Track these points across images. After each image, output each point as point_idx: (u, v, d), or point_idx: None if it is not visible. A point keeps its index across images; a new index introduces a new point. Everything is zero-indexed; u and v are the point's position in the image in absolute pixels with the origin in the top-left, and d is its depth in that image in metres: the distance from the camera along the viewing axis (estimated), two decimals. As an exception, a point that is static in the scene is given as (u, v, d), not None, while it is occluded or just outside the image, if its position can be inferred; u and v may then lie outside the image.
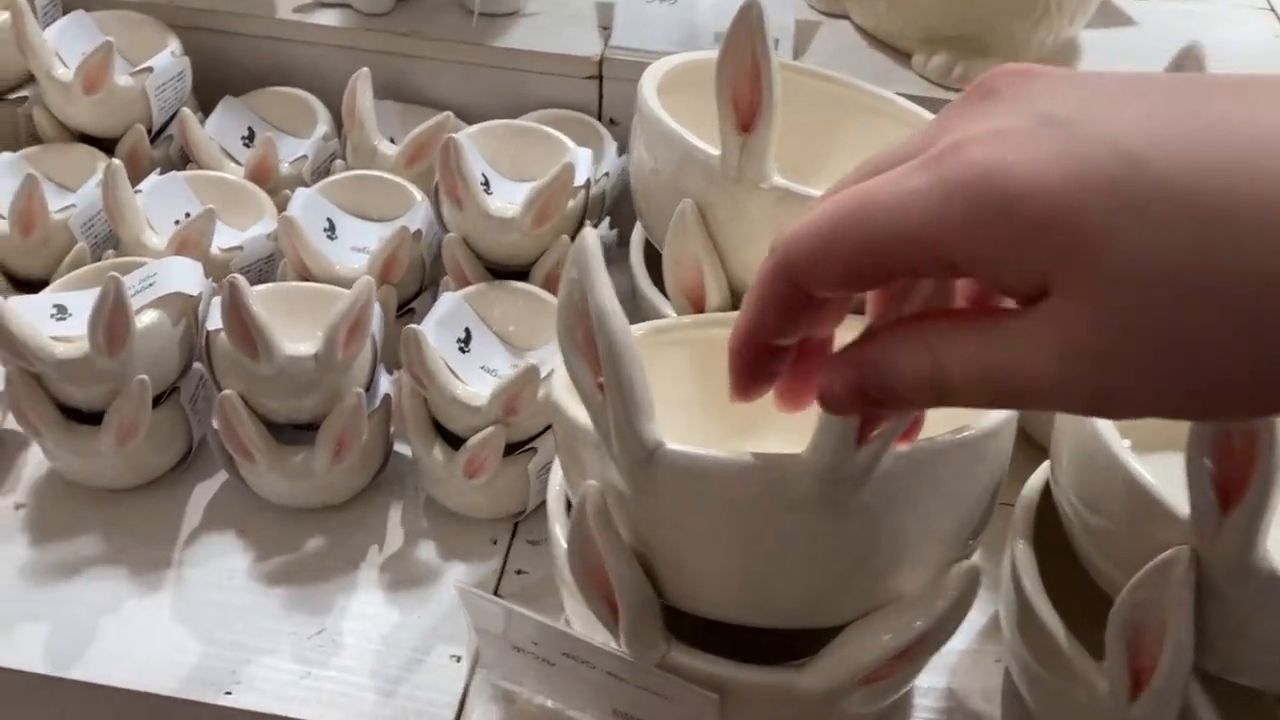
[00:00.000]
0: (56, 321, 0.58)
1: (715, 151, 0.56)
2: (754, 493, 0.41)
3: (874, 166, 0.31)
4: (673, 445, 0.41)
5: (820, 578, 0.43)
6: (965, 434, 0.42)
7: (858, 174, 0.31)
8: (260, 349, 0.54)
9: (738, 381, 0.34)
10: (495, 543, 0.60)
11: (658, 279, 0.62)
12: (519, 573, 0.59)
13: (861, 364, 0.30)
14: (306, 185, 0.71)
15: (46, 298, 0.58)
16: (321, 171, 0.72)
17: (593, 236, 0.41)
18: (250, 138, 0.74)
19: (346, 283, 0.61)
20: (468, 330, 0.60)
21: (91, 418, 0.57)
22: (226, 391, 0.55)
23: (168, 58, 0.70)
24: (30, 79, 0.73)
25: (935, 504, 0.43)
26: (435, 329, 0.58)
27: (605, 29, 0.77)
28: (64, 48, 0.69)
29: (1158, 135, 0.25)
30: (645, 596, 0.44)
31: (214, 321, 0.56)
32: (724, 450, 0.41)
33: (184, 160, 0.73)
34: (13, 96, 0.72)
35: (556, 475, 0.53)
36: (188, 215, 0.66)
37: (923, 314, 0.31)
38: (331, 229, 0.66)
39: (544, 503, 0.60)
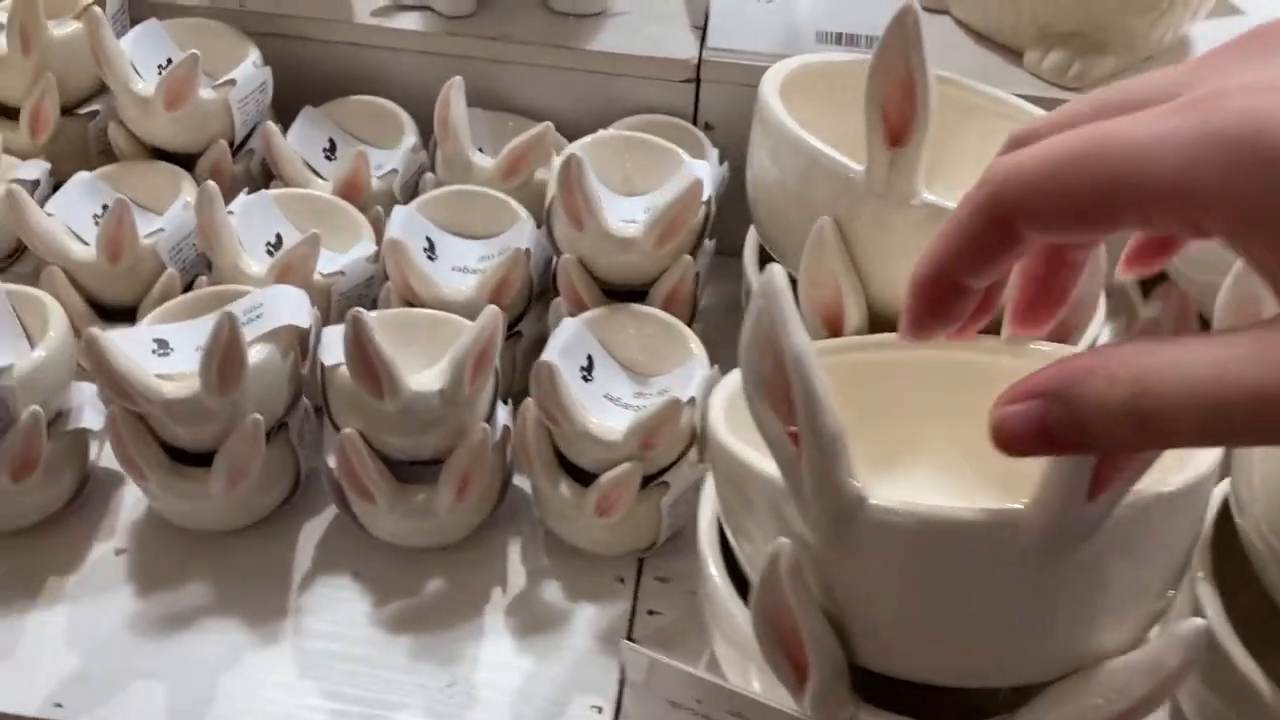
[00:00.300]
0: (159, 358, 0.54)
1: (853, 164, 0.53)
2: (969, 549, 0.38)
3: (1114, 105, 0.27)
4: (878, 499, 0.38)
5: (1026, 635, 0.40)
6: (1190, 478, 0.39)
7: (1091, 111, 0.28)
8: (385, 386, 0.50)
9: (915, 317, 0.31)
10: (622, 581, 0.57)
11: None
12: (651, 613, 0.56)
13: (1047, 393, 0.26)
14: (398, 201, 0.68)
15: (145, 331, 0.55)
16: (410, 186, 0.69)
17: (780, 274, 0.38)
18: (332, 149, 0.70)
19: (453, 306, 0.58)
20: (590, 358, 0.57)
21: (198, 458, 0.54)
22: (347, 430, 0.52)
23: (250, 69, 0.66)
24: (100, 91, 0.69)
25: (1153, 555, 0.40)
26: (559, 358, 0.55)
27: (698, 29, 0.73)
28: (137, 59, 0.65)
29: None
30: (838, 658, 0.41)
31: (330, 355, 0.53)
32: (934, 504, 0.38)
33: (265, 175, 0.69)
34: (82, 111, 0.69)
35: (707, 512, 0.50)
36: (279, 236, 0.63)
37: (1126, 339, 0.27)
38: (431, 249, 0.63)
39: (671, 537, 0.58)
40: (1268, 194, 0.23)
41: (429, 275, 0.59)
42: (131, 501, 0.59)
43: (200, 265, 0.63)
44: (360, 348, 0.50)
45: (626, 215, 0.60)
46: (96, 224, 0.63)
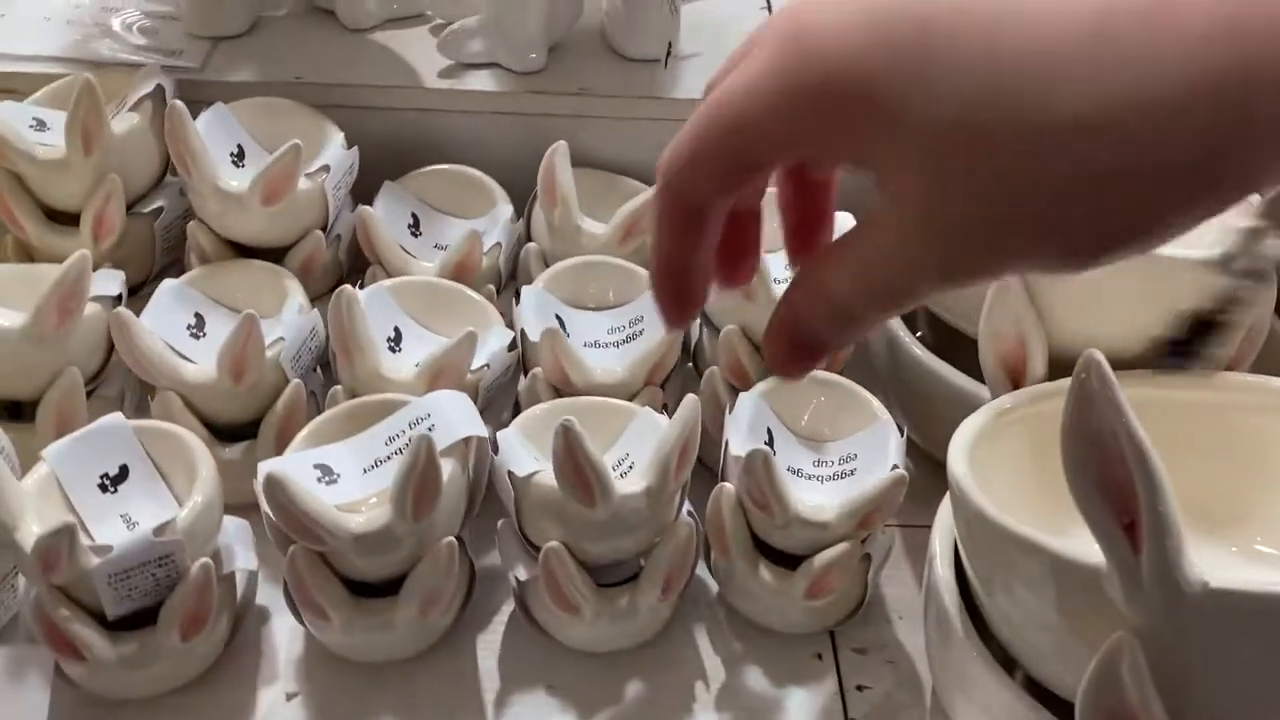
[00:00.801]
0: (326, 485, 0.50)
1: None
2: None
3: (733, 60, 0.29)
4: (1222, 584, 0.37)
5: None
6: None
7: (723, 71, 0.30)
8: (597, 494, 0.47)
9: (667, 313, 0.33)
10: (820, 657, 0.55)
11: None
12: (860, 689, 0.54)
13: (784, 328, 0.30)
14: (502, 275, 0.64)
15: (304, 457, 0.51)
16: (513, 258, 0.65)
17: (1103, 359, 0.37)
18: (416, 225, 0.66)
19: (608, 390, 0.56)
20: (769, 431, 0.55)
21: (380, 587, 0.50)
22: (552, 544, 0.49)
23: (339, 151, 0.62)
24: (159, 184, 0.63)
25: None
26: (749, 439, 0.53)
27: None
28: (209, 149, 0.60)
29: (918, 58, 0.25)
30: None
31: (519, 465, 0.49)
32: (1272, 582, 0.37)
33: (354, 261, 0.64)
34: (146, 209, 0.63)
35: (945, 585, 0.48)
36: (397, 330, 0.59)
37: (818, 254, 0.30)
38: (563, 327, 0.59)
39: (858, 607, 0.56)
40: (823, 106, 0.26)
41: (584, 361, 0.55)
42: (287, 637, 0.54)
43: (314, 374, 0.58)
44: (573, 458, 0.46)
45: (779, 276, 0.57)
46: (192, 335, 0.58)
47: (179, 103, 0.56)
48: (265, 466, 0.50)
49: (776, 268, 0.58)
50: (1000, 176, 0.25)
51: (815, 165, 0.31)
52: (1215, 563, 0.39)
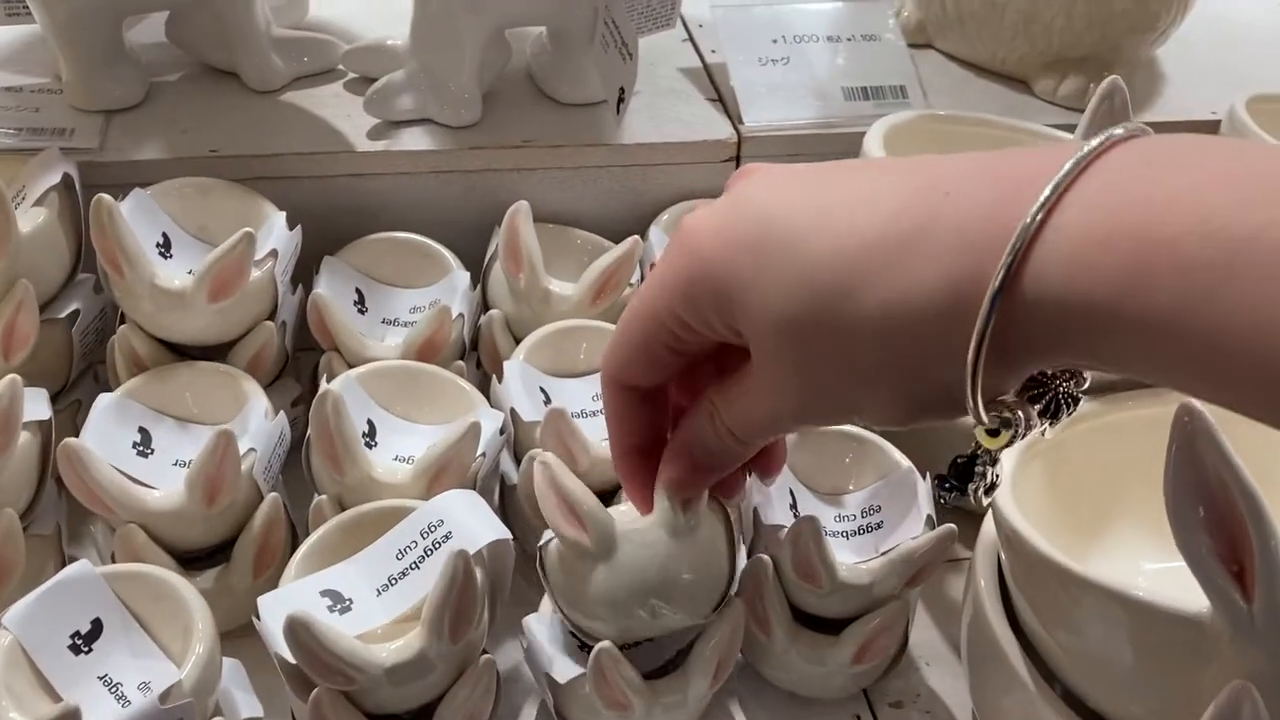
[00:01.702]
0: (341, 615, 0.45)
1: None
2: None
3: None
4: (1332, 622, 0.37)
5: None
6: None
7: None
8: (589, 526, 0.44)
9: (632, 496, 0.39)
10: (859, 718, 0.53)
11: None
12: (904, 744, 0.53)
13: (681, 452, 0.37)
14: (467, 349, 0.60)
15: (308, 585, 0.45)
16: (474, 328, 0.61)
17: (1204, 412, 0.37)
18: (361, 300, 0.61)
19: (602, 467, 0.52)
20: (792, 493, 0.52)
21: (407, 717, 0.45)
22: (604, 644, 0.45)
23: (283, 233, 0.56)
24: (68, 283, 0.56)
25: None
26: (774, 505, 0.50)
27: (714, 100, 0.69)
28: (128, 241, 0.53)
29: (792, 203, 0.31)
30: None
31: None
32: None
33: (298, 343, 0.59)
34: (61, 314, 0.55)
35: (1005, 638, 0.47)
36: (370, 424, 0.54)
37: (711, 390, 0.36)
38: (548, 401, 0.55)
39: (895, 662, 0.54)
40: (695, 291, 0.32)
41: (591, 442, 0.52)
42: (295, 780, 0.49)
43: (282, 483, 0.53)
44: (554, 491, 0.44)
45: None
46: (139, 454, 0.52)
47: (108, 198, 0.49)
48: (273, 603, 0.44)
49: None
50: (820, 358, 0.30)
51: (699, 342, 0.34)
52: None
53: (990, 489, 0.36)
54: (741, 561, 0.47)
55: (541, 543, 0.46)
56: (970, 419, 0.30)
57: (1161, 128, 0.75)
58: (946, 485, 0.36)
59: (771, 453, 0.39)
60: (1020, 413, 0.31)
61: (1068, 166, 0.27)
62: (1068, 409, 0.33)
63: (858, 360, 0.30)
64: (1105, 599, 0.42)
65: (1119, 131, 0.28)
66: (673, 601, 0.44)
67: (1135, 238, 0.26)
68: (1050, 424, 0.33)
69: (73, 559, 0.55)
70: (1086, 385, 0.33)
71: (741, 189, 0.33)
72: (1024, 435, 0.32)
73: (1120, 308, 0.26)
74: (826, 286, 0.29)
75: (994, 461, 0.35)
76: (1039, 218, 0.27)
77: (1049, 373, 0.32)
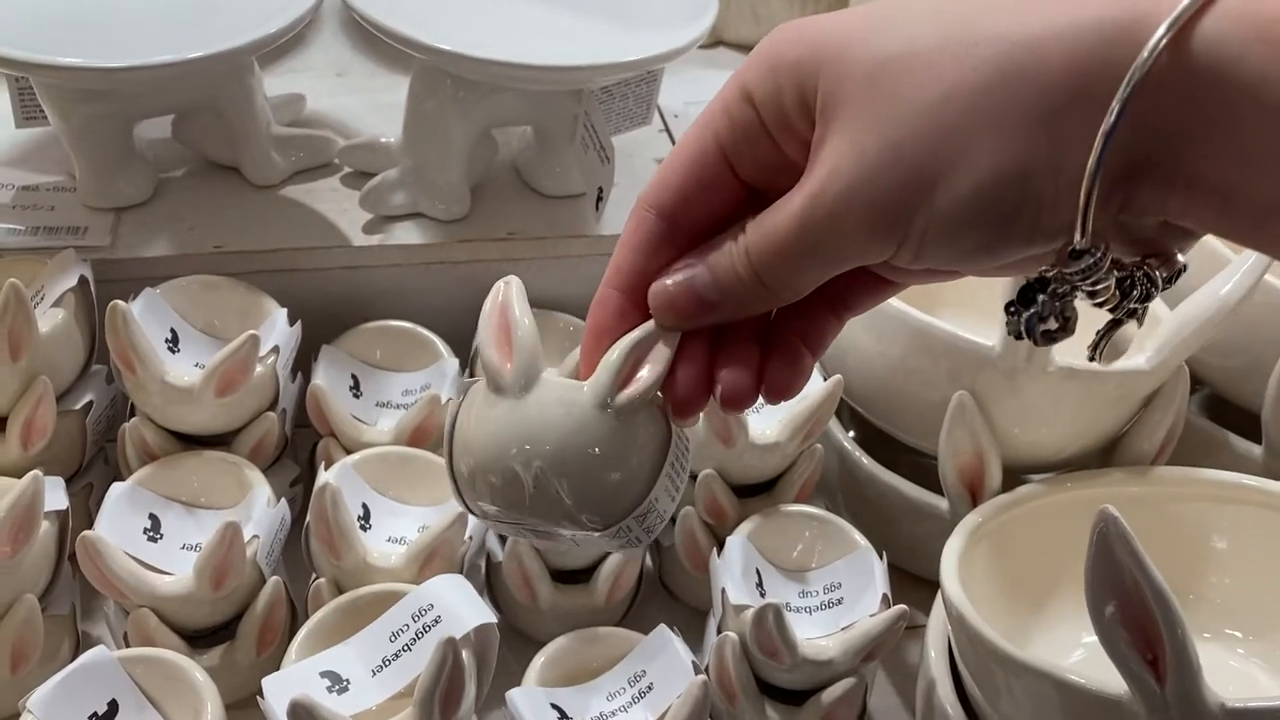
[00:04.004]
0: (339, 695, 0.49)
1: (982, 340, 0.56)
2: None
3: None
4: (1238, 704, 0.41)
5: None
6: None
7: None
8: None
9: (588, 346, 0.34)
10: (824, 779, 0.57)
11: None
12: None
13: (686, 267, 0.31)
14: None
15: (309, 667, 0.49)
16: (463, 411, 0.65)
17: (1118, 517, 0.41)
18: (356, 385, 0.65)
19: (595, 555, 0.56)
20: (758, 572, 0.56)
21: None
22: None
23: (284, 329, 0.60)
24: (81, 376, 0.60)
25: None
26: (743, 584, 0.54)
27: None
28: (139, 338, 0.57)
29: (871, 17, 0.28)
30: None
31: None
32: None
33: (296, 426, 0.63)
34: (77, 406, 0.59)
35: (942, 693, 0.51)
36: (365, 508, 0.57)
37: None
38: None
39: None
40: (777, 64, 0.28)
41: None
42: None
43: (284, 567, 0.57)
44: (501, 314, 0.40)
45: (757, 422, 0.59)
46: (149, 539, 0.56)
47: (123, 305, 0.53)
48: (276, 684, 0.48)
49: (755, 423, 0.59)
50: (912, 108, 0.26)
51: (761, 144, 0.30)
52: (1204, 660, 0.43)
53: (1059, 329, 0.29)
54: (666, 493, 0.35)
55: (464, 382, 0.41)
56: (1059, 242, 0.26)
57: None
58: (1011, 309, 0.30)
59: (792, 359, 0.32)
60: (1106, 253, 0.27)
61: None
62: (1147, 292, 0.29)
63: (958, 105, 0.26)
64: (1037, 678, 0.46)
65: None
66: (562, 476, 0.34)
67: None
68: (1121, 304, 0.29)
69: (86, 636, 0.58)
70: (1179, 268, 0.29)
71: None
72: (1100, 288, 0.28)
73: None
74: (945, 20, 0.27)
75: (1060, 296, 0.29)
76: None
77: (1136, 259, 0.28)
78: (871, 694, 0.59)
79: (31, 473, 0.51)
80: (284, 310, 0.61)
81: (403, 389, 0.66)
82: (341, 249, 0.66)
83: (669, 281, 0.31)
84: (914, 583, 0.62)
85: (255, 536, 0.54)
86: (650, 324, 0.33)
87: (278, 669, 0.52)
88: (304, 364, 0.65)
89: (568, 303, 0.70)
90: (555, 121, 0.68)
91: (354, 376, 0.65)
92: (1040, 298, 0.28)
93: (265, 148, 0.69)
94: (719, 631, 0.55)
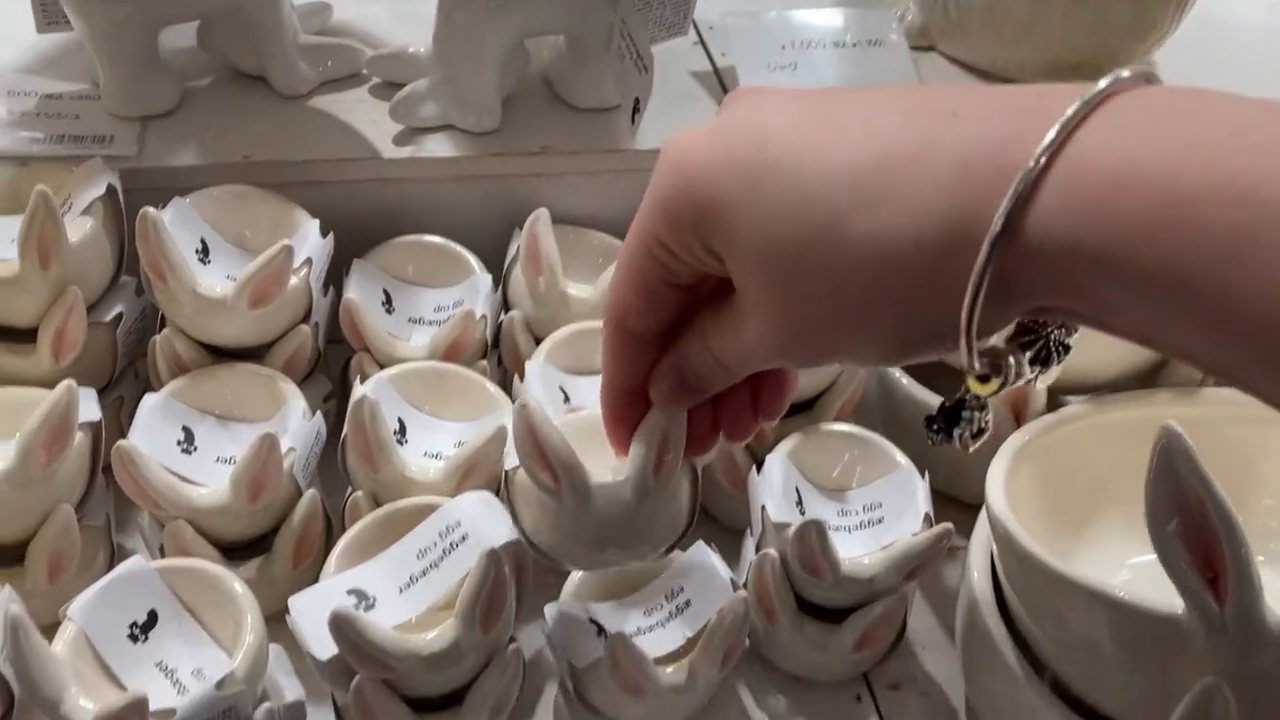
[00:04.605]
0: (365, 612, 0.48)
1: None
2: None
3: None
4: (1297, 622, 0.40)
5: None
6: None
7: None
8: (564, 481, 0.47)
9: (613, 436, 0.40)
10: (859, 699, 0.57)
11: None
12: (901, 725, 0.56)
13: (672, 369, 0.37)
14: (489, 348, 0.63)
15: (336, 585, 0.48)
16: (496, 329, 0.64)
17: (1182, 434, 0.40)
18: (388, 301, 0.64)
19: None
20: (798, 490, 0.56)
21: (436, 700, 0.49)
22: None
23: (317, 241, 0.59)
24: (111, 287, 0.59)
25: None
26: (784, 502, 0.54)
27: (725, 105, 0.71)
28: (171, 248, 0.56)
29: (785, 123, 0.29)
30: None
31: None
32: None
33: (333, 343, 0.62)
34: (107, 318, 0.58)
35: (997, 633, 0.50)
36: (401, 422, 0.57)
37: (704, 313, 0.35)
38: (566, 399, 0.59)
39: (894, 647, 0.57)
40: (682, 213, 0.31)
41: (605, 438, 0.55)
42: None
43: (316, 477, 0.56)
44: (533, 439, 0.44)
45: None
46: (183, 452, 0.55)
47: (153, 212, 0.52)
48: (303, 603, 0.48)
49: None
50: (807, 288, 0.29)
51: (689, 271, 0.34)
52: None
53: (978, 434, 0.35)
54: (692, 512, 0.47)
55: (509, 467, 0.46)
56: (959, 361, 0.29)
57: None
58: (935, 428, 0.35)
59: (778, 388, 0.38)
60: (1011, 359, 0.30)
61: (1075, 107, 0.26)
62: (1058, 357, 0.32)
63: (845, 294, 0.29)
64: (1088, 596, 0.45)
65: (1126, 74, 0.27)
66: (630, 550, 0.45)
67: (1152, 189, 0.25)
68: (1041, 371, 0.32)
69: (120, 547, 0.58)
70: (1077, 334, 0.32)
71: (732, 110, 0.31)
72: (1014, 382, 0.31)
73: (1132, 260, 0.25)
74: (817, 213, 0.28)
75: (982, 407, 0.34)
76: (1043, 159, 0.26)
77: (1040, 320, 0.31)
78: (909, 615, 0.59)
79: (65, 382, 0.50)
80: (316, 222, 0.59)
81: (435, 305, 0.65)
82: (371, 161, 0.65)
83: (665, 386, 0.37)
84: (953, 506, 0.62)
85: (291, 449, 0.53)
86: (655, 412, 0.39)
87: (313, 580, 0.52)
88: (334, 279, 0.63)
89: (601, 219, 0.68)
90: (590, 30, 0.66)
91: (386, 292, 0.64)
92: (963, 415, 0.34)
93: (292, 57, 0.68)
94: (758, 550, 0.54)
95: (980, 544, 0.55)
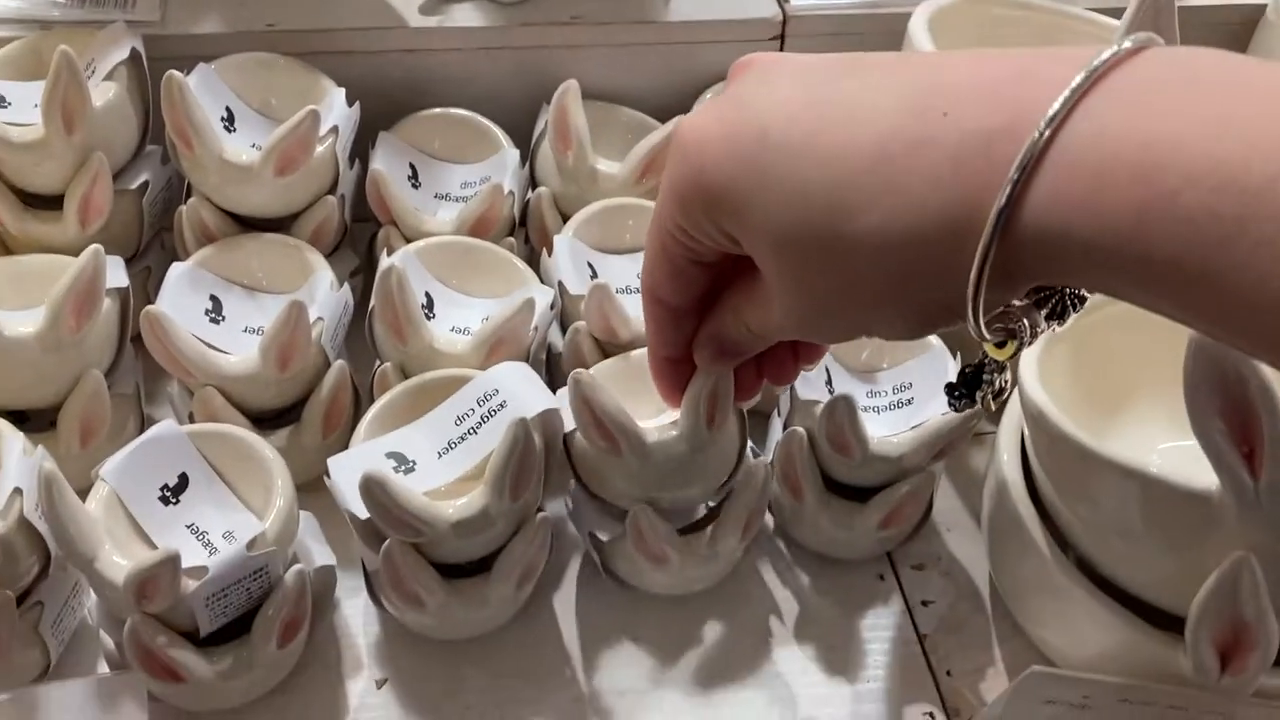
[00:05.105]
0: (405, 475, 0.48)
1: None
2: None
3: None
4: (1332, 498, 0.40)
5: None
6: None
7: None
8: (624, 445, 0.47)
9: (663, 395, 0.43)
10: (882, 578, 0.57)
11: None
12: (925, 604, 0.57)
13: (709, 336, 0.39)
14: (516, 224, 0.62)
15: (375, 447, 0.49)
16: (524, 204, 0.63)
17: None
18: (414, 175, 0.63)
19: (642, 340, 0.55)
20: (827, 370, 0.55)
21: (465, 566, 0.49)
22: (639, 507, 0.49)
23: (342, 109, 0.58)
24: (137, 154, 0.59)
25: None
26: (809, 380, 0.53)
27: (761, -22, 0.69)
28: (195, 115, 0.55)
29: (787, 112, 0.30)
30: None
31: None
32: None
33: (355, 214, 0.61)
34: (133, 185, 0.58)
35: (1026, 511, 0.50)
36: (428, 296, 0.56)
37: (735, 287, 0.37)
38: (594, 276, 0.58)
39: (918, 527, 0.57)
40: (695, 202, 0.32)
41: (631, 315, 0.54)
42: (361, 622, 0.53)
43: (344, 347, 0.56)
44: (589, 409, 0.46)
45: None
46: (211, 320, 0.55)
47: (179, 75, 0.51)
48: (343, 463, 0.48)
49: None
50: (820, 276, 0.30)
51: (710, 250, 0.35)
52: None
53: (998, 394, 0.36)
54: (741, 449, 0.51)
55: (568, 430, 0.49)
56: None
57: (1210, 10, 0.73)
58: (957, 394, 0.36)
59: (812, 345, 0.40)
60: (1025, 320, 0.31)
61: (1065, 95, 0.26)
62: (1074, 308, 0.32)
63: (857, 281, 0.30)
64: (1121, 474, 0.45)
65: (1125, 46, 0.27)
66: (688, 490, 0.50)
67: (1139, 182, 0.25)
68: (1057, 325, 0.32)
69: (149, 417, 0.59)
70: None
71: (739, 88, 0.32)
72: (1030, 342, 0.32)
73: (1123, 248, 0.26)
74: (821, 207, 0.29)
75: (1001, 369, 0.35)
76: (1038, 149, 0.26)
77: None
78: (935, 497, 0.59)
79: (92, 246, 0.50)
80: (342, 90, 0.58)
81: (461, 180, 0.64)
82: (398, 30, 0.63)
83: (706, 353, 0.39)
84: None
85: (319, 319, 0.53)
86: (701, 374, 0.43)
87: (342, 450, 0.52)
88: (360, 152, 0.63)
89: (631, 94, 0.67)
90: (624, -104, 0.64)
91: (412, 166, 0.63)
92: (983, 379, 0.34)
93: (317, -79, 0.66)
94: (785, 428, 0.54)
95: (1010, 426, 0.54)
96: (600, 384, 0.46)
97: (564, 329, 0.58)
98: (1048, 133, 0.26)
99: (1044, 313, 0.32)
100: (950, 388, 0.36)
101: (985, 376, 0.35)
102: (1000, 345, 0.32)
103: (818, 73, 0.31)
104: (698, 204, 0.32)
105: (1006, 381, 0.36)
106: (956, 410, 0.36)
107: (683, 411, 0.46)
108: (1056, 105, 0.26)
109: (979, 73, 0.29)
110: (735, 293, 0.36)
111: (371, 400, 0.54)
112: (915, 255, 0.28)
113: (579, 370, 0.47)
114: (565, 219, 0.61)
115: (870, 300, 0.30)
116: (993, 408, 0.36)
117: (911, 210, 0.28)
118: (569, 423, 0.49)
